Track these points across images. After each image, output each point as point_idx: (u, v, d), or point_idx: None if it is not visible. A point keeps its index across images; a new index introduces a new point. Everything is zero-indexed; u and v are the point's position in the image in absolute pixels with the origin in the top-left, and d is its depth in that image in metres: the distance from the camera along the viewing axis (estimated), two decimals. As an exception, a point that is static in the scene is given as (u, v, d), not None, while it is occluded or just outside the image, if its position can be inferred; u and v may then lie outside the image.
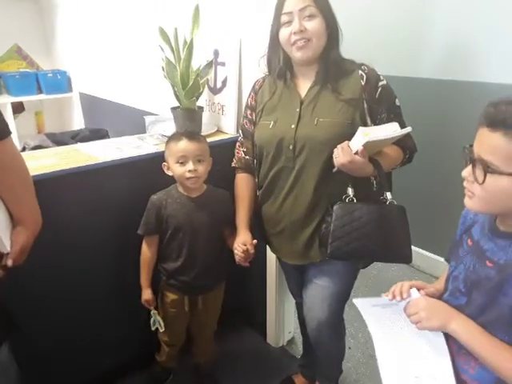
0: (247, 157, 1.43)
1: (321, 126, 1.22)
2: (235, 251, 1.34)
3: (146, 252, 1.49)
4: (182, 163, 1.37)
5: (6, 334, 1.07)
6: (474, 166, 0.75)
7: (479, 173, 0.73)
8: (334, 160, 1.15)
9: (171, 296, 1.54)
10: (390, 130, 1.15)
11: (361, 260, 1.34)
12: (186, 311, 1.57)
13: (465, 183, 0.78)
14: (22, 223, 1.03)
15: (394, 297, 0.92)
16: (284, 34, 1.22)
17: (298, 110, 1.27)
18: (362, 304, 0.97)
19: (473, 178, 0.75)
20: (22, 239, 1.02)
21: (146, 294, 1.51)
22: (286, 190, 1.30)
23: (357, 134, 1.13)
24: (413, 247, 2.61)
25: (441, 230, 2.21)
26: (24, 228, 1.03)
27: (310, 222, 1.29)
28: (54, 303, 1.43)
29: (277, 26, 1.24)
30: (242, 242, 1.33)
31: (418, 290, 0.91)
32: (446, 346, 0.86)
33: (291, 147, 1.25)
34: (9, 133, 0.97)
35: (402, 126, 1.20)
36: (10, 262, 0.99)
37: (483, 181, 0.73)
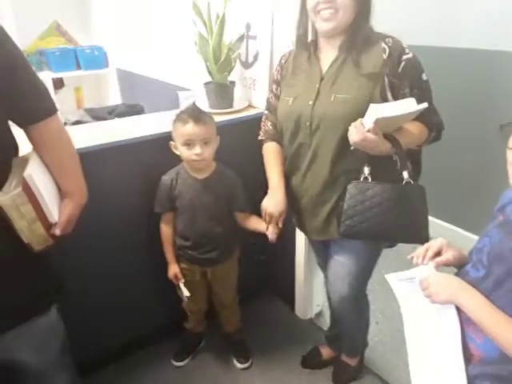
0: (274, 129, 1.44)
1: (337, 102, 1.20)
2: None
3: (164, 229, 1.57)
4: (188, 145, 1.39)
5: (57, 296, 1.15)
6: None
7: None
8: (349, 137, 1.14)
9: (182, 265, 1.61)
10: (405, 106, 1.09)
11: (373, 239, 1.30)
12: (199, 279, 1.64)
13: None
14: (69, 195, 1.10)
15: (416, 258, 0.95)
16: (311, 0, 1.18)
17: (317, 86, 1.25)
18: (390, 279, 1.00)
19: None
20: (68, 210, 1.08)
21: (172, 269, 1.59)
22: (306, 166, 1.31)
23: (368, 111, 1.10)
24: (448, 225, 2.56)
25: (475, 208, 2.17)
26: (71, 200, 1.09)
27: (328, 199, 1.30)
28: (95, 269, 1.53)
29: None
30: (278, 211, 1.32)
31: (440, 253, 0.93)
32: (457, 322, 0.88)
33: (308, 124, 1.25)
34: (56, 109, 1.02)
35: (429, 102, 1.15)
36: (57, 231, 1.05)
37: None
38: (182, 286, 1.60)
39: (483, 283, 0.84)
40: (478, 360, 0.86)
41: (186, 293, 1.59)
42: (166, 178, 1.50)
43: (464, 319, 0.88)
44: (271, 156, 1.42)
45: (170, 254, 1.59)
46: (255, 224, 1.49)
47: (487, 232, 0.88)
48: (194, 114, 1.38)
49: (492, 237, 0.85)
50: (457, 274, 0.94)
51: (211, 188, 1.48)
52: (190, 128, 1.37)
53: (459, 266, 0.95)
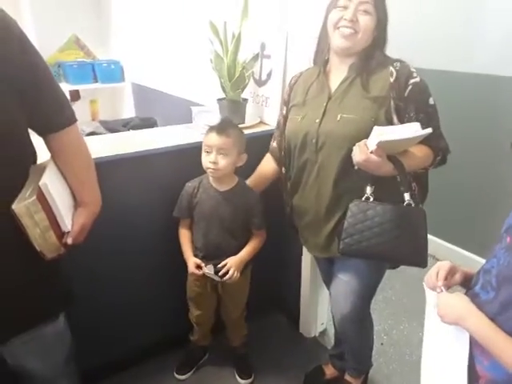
0: (275, 147, 1.50)
1: (343, 121, 1.23)
2: None
3: (182, 231, 1.60)
4: (207, 152, 1.44)
5: (65, 305, 1.16)
6: None
7: None
8: (352, 157, 1.15)
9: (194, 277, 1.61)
10: (409, 130, 1.10)
11: (372, 259, 1.29)
12: (209, 291, 1.64)
13: None
14: (84, 204, 1.11)
15: (428, 288, 0.95)
16: (334, 15, 1.22)
17: (324, 104, 1.28)
18: (426, 286, 1.00)
19: None
20: (81, 219, 1.09)
21: (192, 261, 1.55)
22: (311, 183, 1.33)
23: (372, 132, 1.12)
24: (455, 247, 2.54)
25: (481, 230, 2.15)
26: (84, 209, 1.11)
27: (331, 216, 1.31)
28: (103, 278, 1.54)
29: (332, 8, 1.23)
30: None
31: (448, 277, 0.94)
32: (467, 344, 0.88)
33: (314, 141, 1.28)
34: (76, 119, 1.05)
35: (435, 126, 1.16)
36: (69, 240, 1.06)
37: None
38: (207, 270, 1.54)
39: (491, 305, 0.84)
40: (485, 382, 0.85)
41: (211, 270, 1.54)
42: (190, 185, 1.55)
43: (473, 341, 0.87)
44: (260, 166, 1.59)
45: (188, 250, 1.58)
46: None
47: (495, 253, 0.88)
48: (220, 126, 1.45)
49: (500, 259, 0.85)
50: (466, 295, 0.93)
51: (231, 201, 1.51)
52: (211, 137, 1.43)
53: (465, 285, 0.95)
